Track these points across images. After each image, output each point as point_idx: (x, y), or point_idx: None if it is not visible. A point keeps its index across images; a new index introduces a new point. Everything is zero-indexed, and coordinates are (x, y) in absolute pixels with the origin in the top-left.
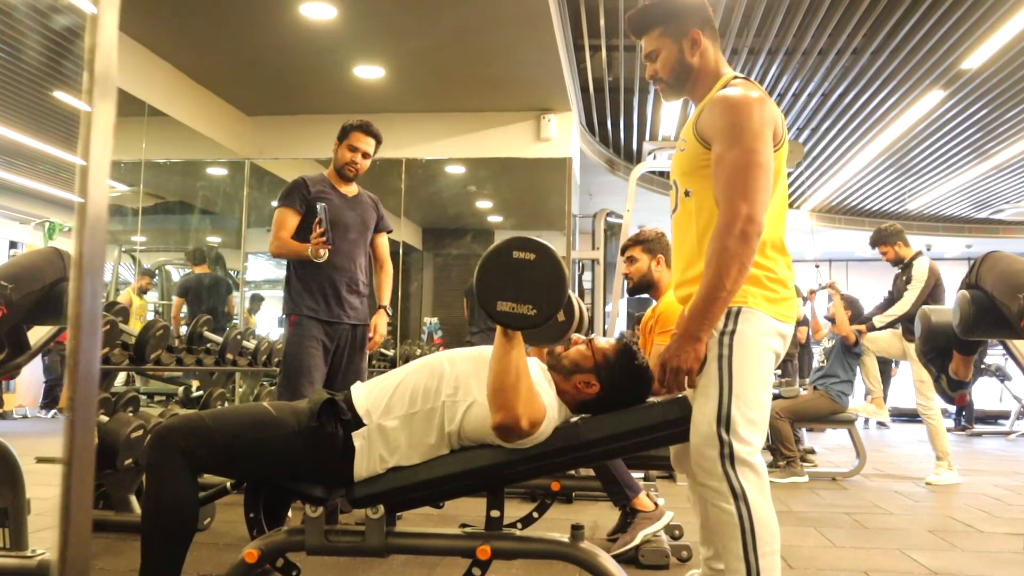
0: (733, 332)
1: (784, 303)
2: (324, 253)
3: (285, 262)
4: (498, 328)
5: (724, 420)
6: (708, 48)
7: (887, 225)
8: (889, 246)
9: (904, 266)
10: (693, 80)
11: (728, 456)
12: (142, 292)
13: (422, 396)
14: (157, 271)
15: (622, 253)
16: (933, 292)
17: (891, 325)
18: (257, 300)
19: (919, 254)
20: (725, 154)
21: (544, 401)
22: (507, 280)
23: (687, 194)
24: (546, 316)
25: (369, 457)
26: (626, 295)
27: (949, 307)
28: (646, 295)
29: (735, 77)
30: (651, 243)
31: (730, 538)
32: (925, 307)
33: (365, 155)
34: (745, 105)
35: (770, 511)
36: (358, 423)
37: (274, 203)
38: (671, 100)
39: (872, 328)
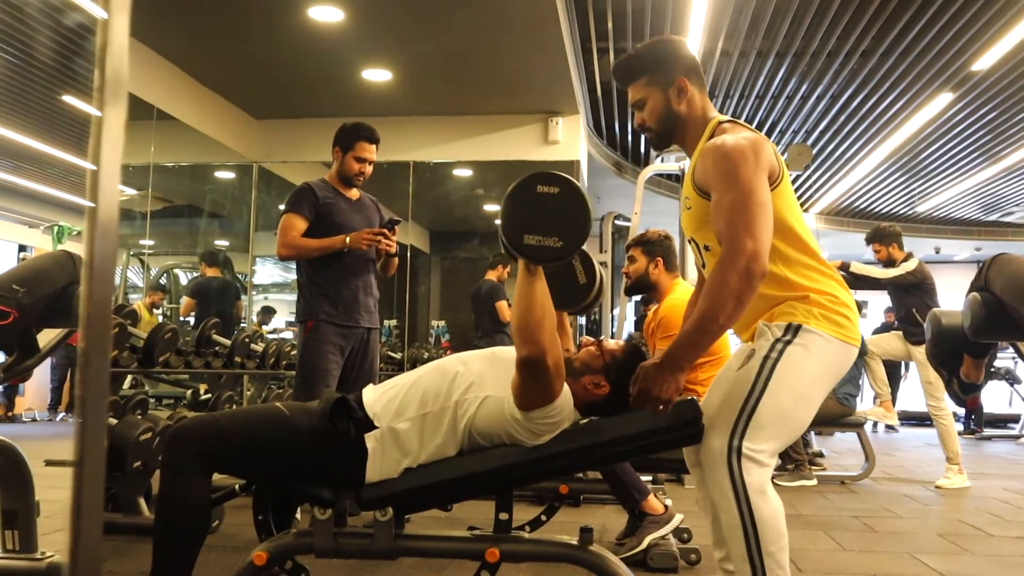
0: (789, 343)
1: (849, 325)
2: (368, 248)
3: (295, 267)
4: (521, 265)
5: (747, 415)
6: (695, 96)
7: (887, 225)
8: (884, 246)
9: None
10: (681, 128)
11: (736, 448)
12: (153, 307)
13: (433, 397)
14: (165, 275)
15: (626, 251)
16: (922, 290)
17: (865, 283)
18: (269, 312)
19: (910, 256)
20: (723, 197)
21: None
22: (532, 214)
23: (707, 248)
24: (571, 248)
25: (382, 460)
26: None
27: (959, 310)
28: (645, 295)
29: (721, 122)
30: (652, 245)
31: (734, 539)
32: (935, 310)
33: (371, 162)
34: (738, 151)
35: (771, 508)
36: (369, 425)
37: (282, 207)
38: (660, 149)
39: (846, 268)
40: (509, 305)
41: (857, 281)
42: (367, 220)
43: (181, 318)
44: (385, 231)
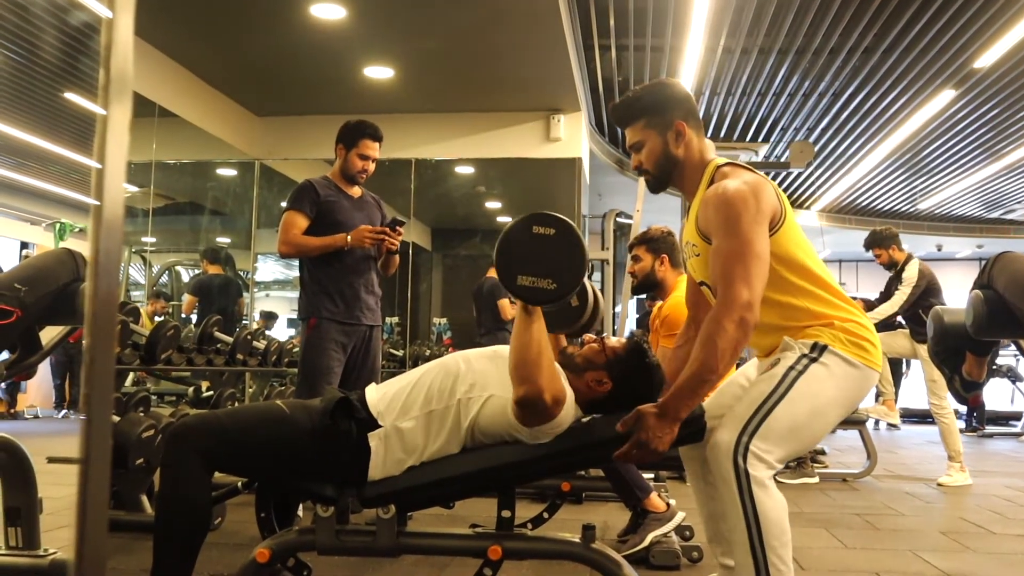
0: (815, 360)
1: (873, 350)
2: (371, 247)
3: (297, 264)
4: (519, 304)
5: (761, 416)
6: (693, 139)
7: (883, 228)
8: (883, 249)
9: (897, 271)
10: (679, 172)
11: (744, 445)
12: (155, 316)
13: (437, 395)
14: (167, 272)
15: (629, 251)
16: (926, 293)
17: (879, 326)
18: (271, 318)
19: (910, 257)
20: (722, 244)
21: (565, 383)
22: (527, 255)
23: None
24: (565, 291)
25: (385, 459)
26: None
27: (962, 308)
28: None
29: (720, 166)
30: (656, 242)
31: (737, 531)
32: (938, 307)
33: (374, 160)
34: (739, 198)
35: (774, 502)
36: (373, 424)
37: (284, 204)
38: (657, 192)
39: None
40: (511, 302)
41: (880, 324)
42: (369, 218)
43: (183, 315)
44: (387, 230)
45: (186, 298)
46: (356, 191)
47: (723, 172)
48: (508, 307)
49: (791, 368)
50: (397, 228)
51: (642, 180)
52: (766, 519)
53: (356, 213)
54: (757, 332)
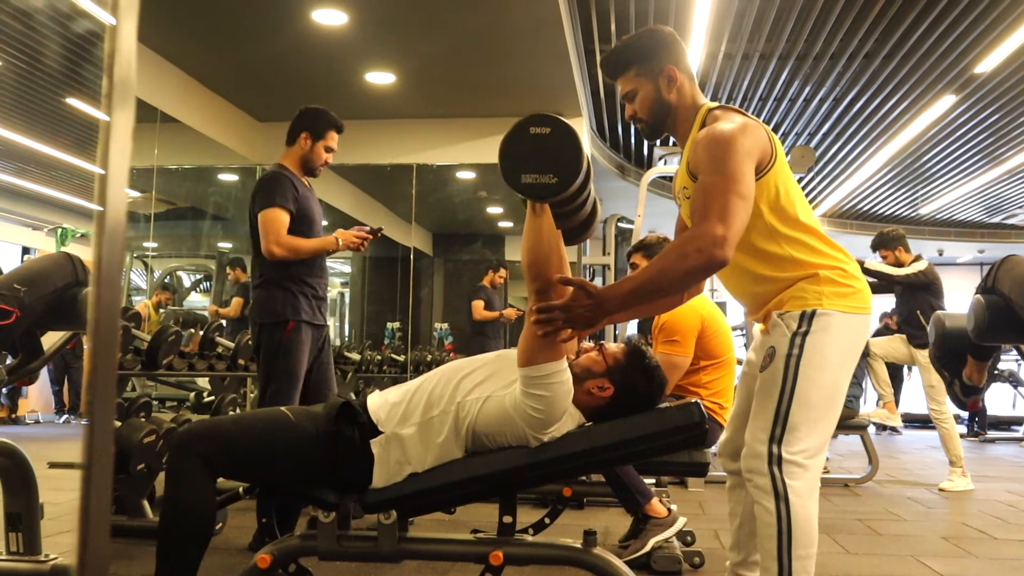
0: (807, 333)
1: (859, 295)
2: (363, 248)
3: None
4: (528, 206)
5: (782, 418)
6: (685, 84)
7: (890, 229)
8: (890, 250)
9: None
10: (673, 118)
11: (776, 455)
12: (159, 307)
13: (437, 401)
14: (169, 277)
15: (628, 260)
16: (930, 291)
17: (879, 279)
18: None
19: (918, 258)
20: (706, 179)
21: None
22: (528, 154)
23: None
24: (566, 183)
25: (388, 465)
26: None
27: (963, 313)
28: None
29: (711, 109)
30: (651, 248)
31: (766, 537)
32: (939, 312)
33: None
34: (728, 138)
35: (809, 514)
36: (374, 431)
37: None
38: (652, 140)
39: (860, 265)
40: (485, 306)
41: (870, 277)
42: (320, 212)
43: (232, 318)
44: (369, 236)
45: (234, 300)
46: (308, 181)
47: (714, 115)
48: (480, 308)
49: (788, 356)
50: (378, 235)
51: (643, 184)
52: (797, 528)
53: (315, 206)
54: (742, 282)
